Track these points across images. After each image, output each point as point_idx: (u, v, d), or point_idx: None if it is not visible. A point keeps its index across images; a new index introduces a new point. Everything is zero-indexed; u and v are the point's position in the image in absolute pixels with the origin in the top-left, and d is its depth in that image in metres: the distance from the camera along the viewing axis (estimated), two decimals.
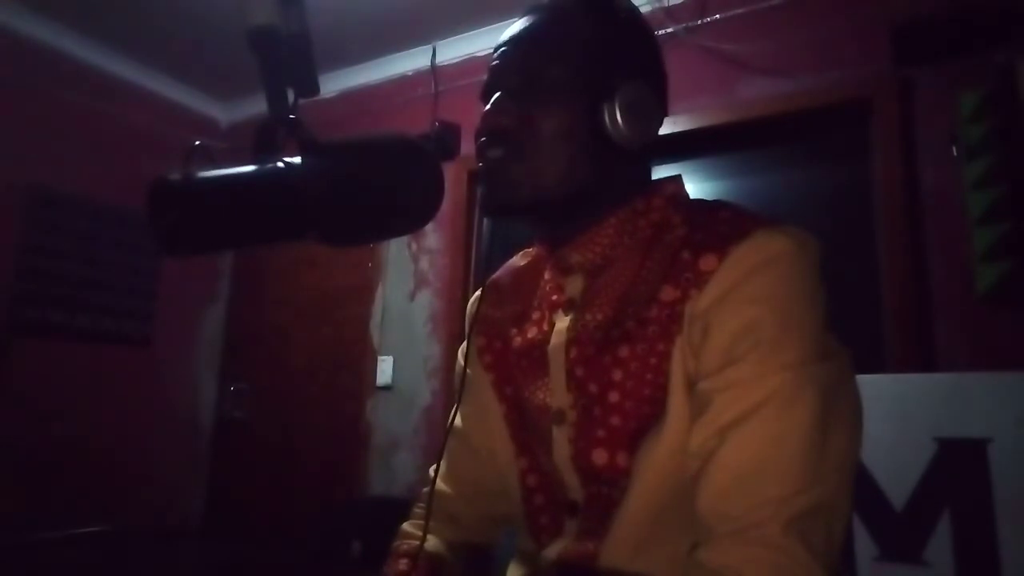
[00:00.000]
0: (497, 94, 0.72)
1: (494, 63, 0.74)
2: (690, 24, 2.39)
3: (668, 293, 0.67)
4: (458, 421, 0.88)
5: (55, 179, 2.92)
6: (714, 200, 0.73)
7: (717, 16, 2.40)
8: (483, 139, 0.72)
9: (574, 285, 0.75)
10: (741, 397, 0.60)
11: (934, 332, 1.93)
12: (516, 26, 0.74)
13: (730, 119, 2.35)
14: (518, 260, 0.88)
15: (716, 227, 0.67)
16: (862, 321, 2.05)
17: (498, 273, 0.89)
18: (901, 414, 1.57)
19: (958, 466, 1.50)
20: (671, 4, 2.45)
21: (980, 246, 1.81)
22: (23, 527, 2.62)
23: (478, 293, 0.90)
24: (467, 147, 2.83)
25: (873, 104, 2.12)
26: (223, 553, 3.09)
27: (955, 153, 1.92)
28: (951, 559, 1.46)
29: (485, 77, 0.75)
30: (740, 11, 2.37)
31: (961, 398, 1.54)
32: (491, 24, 2.82)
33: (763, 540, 0.55)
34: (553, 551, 0.72)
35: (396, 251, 3.03)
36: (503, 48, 0.74)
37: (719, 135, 2.39)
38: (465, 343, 0.89)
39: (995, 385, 1.53)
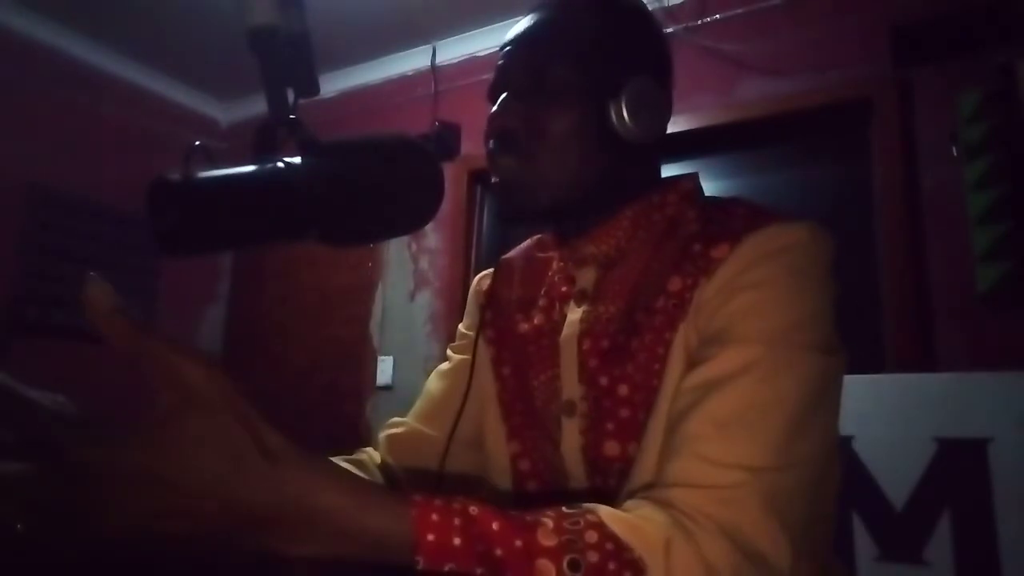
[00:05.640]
0: (503, 95, 0.71)
1: (500, 62, 0.73)
2: (690, 24, 2.39)
3: (676, 283, 0.67)
4: (446, 365, 0.88)
5: (55, 179, 2.92)
6: (730, 197, 0.73)
7: (717, 16, 2.40)
8: (492, 143, 0.71)
9: (586, 277, 0.74)
10: (734, 357, 0.59)
11: (934, 332, 1.93)
12: (522, 24, 0.73)
13: (730, 119, 2.35)
14: (531, 245, 0.88)
15: (730, 220, 0.67)
16: (862, 321, 2.05)
17: (512, 254, 0.89)
18: (901, 414, 1.57)
19: (958, 466, 1.50)
20: (671, 4, 2.45)
21: (980, 246, 1.81)
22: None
23: (488, 270, 0.89)
24: (467, 147, 2.83)
25: (873, 104, 2.12)
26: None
27: (955, 153, 1.91)
28: (951, 559, 1.46)
29: (491, 76, 0.74)
30: (740, 11, 2.37)
31: (961, 398, 1.54)
32: (491, 24, 2.82)
33: (741, 505, 0.53)
34: None
35: (396, 251, 3.02)
36: (509, 47, 0.73)
37: (719, 135, 2.39)
38: (466, 317, 0.89)
39: (995, 385, 1.53)
